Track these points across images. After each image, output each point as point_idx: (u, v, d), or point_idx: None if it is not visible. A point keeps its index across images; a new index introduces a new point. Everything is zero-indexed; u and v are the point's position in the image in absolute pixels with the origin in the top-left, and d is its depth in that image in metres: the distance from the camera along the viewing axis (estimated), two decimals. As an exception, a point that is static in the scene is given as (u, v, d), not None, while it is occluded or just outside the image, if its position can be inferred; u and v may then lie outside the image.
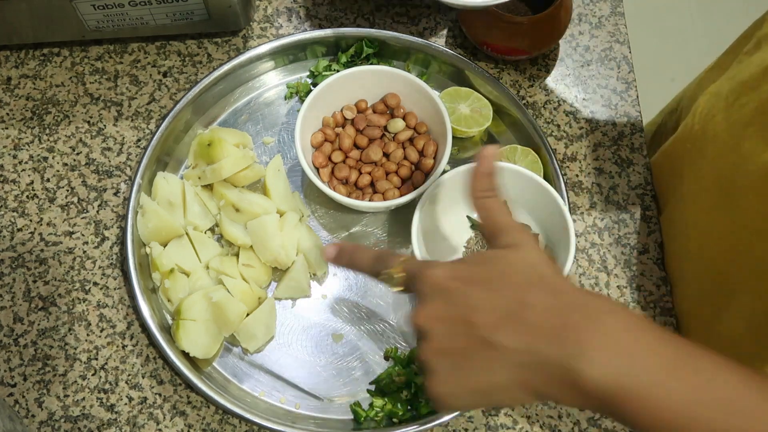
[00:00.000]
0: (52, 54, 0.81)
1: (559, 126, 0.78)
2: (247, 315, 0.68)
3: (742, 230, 0.60)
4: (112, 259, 0.73)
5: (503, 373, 0.44)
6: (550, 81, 0.80)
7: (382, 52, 0.79)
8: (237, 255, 0.71)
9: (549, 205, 0.68)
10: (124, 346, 0.70)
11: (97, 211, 0.75)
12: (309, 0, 0.83)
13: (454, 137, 0.71)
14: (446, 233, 0.72)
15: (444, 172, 0.70)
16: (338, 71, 0.74)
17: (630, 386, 0.41)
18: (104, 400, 0.68)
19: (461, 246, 0.72)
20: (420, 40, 0.78)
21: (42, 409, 0.68)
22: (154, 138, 0.73)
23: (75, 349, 0.70)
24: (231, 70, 0.77)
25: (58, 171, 0.76)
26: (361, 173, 0.72)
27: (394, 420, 0.67)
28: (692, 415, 0.41)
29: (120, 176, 0.76)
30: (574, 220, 0.73)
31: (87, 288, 0.72)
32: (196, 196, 0.72)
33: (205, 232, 0.72)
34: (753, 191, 0.58)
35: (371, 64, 0.78)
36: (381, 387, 0.68)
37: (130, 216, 0.71)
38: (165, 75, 0.80)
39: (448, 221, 0.72)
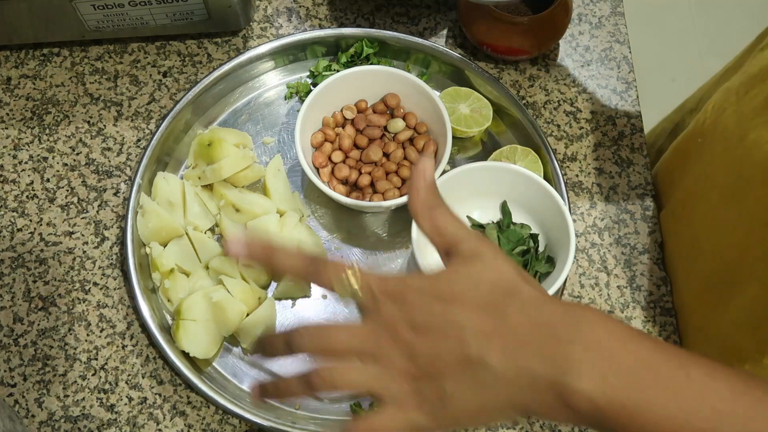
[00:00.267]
0: (52, 54, 0.81)
1: (559, 126, 0.78)
2: (247, 315, 0.68)
3: (749, 221, 0.60)
4: (112, 259, 0.73)
5: (494, 395, 0.42)
6: (550, 81, 0.80)
7: (382, 52, 0.79)
8: (237, 255, 0.71)
9: (549, 205, 0.68)
10: (124, 346, 0.70)
11: (97, 211, 0.75)
12: (309, 0, 0.83)
13: (454, 137, 0.71)
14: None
15: (444, 172, 0.70)
16: (338, 71, 0.74)
17: (621, 400, 0.40)
18: (104, 400, 0.68)
19: (461, 246, 0.71)
20: (420, 40, 0.78)
21: (42, 409, 0.68)
22: (154, 138, 0.73)
23: (75, 349, 0.70)
24: (231, 70, 0.77)
25: (58, 171, 0.76)
26: (361, 173, 0.72)
27: (394, 420, 0.67)
28: (685, 426, 0.40)
29: (120, 176, 0.76)
30: (574, 220, 0.73)
31: (87, 288, 0.72)
32: (196, 196, 0.72)
33: (205, 232, 0.72)
34: (760, 182, 0.58)
35: (371, 64, 0.78)
36: (381, 387, 0.67)
37: (130, 216, 0.71)
38: (165, 75, 0.80)
39: (448, 221, 0.72)
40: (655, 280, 0.73)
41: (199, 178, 0.72)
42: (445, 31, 0.82)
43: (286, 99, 0.79)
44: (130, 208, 0.71)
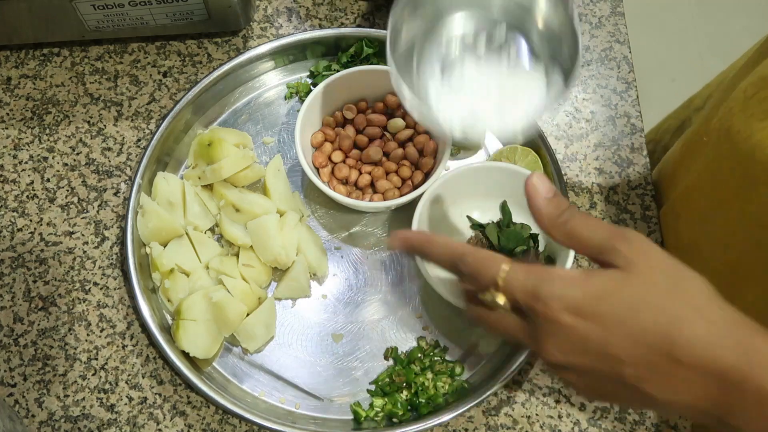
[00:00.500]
0: (52, 54, 0.81)
1: (559, 126, 0.78)
2: (247, 315, 0.68)
3: (750, 221, 0.60)
4: (112, 259, 0.73)
5: (654, 409, 0.44)
6: (550, 81, 0.80)
7: (382, 52, 0.79)
8: (237, 255, 0.71)
9: (549, 205, 0.68)
10: (124, 346, 0.70)
11: (97, 211, 0.75)
12: (309, 0, 0.83)
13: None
14: (447, 233, 0.72)
15: (444, 171, 0.70)
16: (338, 71, 0.74)
17: None
18: (104, 400, 0.68)
19: (461, 246, 0.72)
20: (420, 40, 0.78)
21: (42, 409, 0.68)
22: (154, 138, 0.73)
23: (75, 349, 0.70)
24: (231, 70, 0.77)
25: (58, 171, 0.76)
26: (361, 173, 0.72)
27: (394, 420, 0.67)
28: None
29: (120, 176, 0.76)
30: (574, 220, 0.73)
31: (87, 288, 0.72)
32: (196, 196, 0.72)
33: (205, 232, 0.72)
34: (763, 183, 0.58)
35: (371, 64, 0.78)
36: (381, 387, 0.68)
37: (130, 216, 0.71)
38: (165, 75, 0.80)
39: (448, 221, 0.72)
40: (655, 280, 0.73)
41: (199, 178, 0.72)
42: (445, 31, 0.82)
43: (286, 99, 0.79)
44: (130, 208, 0.71)
